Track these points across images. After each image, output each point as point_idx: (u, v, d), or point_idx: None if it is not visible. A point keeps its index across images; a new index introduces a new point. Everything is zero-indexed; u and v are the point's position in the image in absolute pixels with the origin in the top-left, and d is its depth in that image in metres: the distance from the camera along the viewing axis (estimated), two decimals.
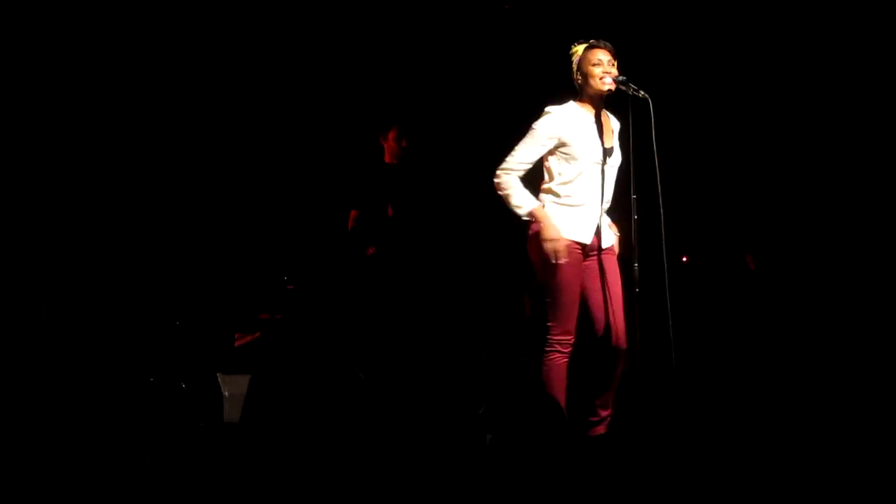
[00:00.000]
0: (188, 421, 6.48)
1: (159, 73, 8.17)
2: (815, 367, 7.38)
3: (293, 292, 8.26)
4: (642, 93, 5.64)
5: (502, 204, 5.77)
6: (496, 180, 5.75)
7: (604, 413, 5.78)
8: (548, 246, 5.63)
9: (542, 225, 5.65)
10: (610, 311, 5.74)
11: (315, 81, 8.64)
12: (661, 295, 5.60)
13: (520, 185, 5.72)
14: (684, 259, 8.22)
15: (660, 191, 5.60)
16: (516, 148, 5.73)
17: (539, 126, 5.70)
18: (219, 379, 6.65)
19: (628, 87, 5.67)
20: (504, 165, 5.73)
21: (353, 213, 8.17)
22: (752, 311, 8.01)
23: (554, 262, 5.62)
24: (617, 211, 5.91)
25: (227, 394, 6.75)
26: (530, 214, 5.69)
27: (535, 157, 5.72)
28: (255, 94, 8.50)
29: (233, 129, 8.47)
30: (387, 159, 8.18)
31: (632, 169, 5.62)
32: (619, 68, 5.74)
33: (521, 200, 5.70)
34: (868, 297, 7.75)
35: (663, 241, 5.56)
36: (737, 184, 8.18)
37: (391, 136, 8.12)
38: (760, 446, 5.74)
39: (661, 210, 5.56)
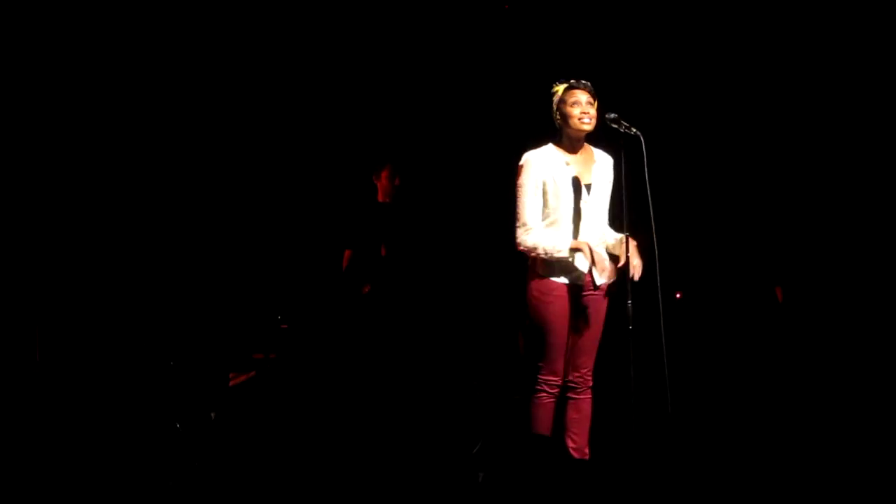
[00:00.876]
0: (182, 460, 6.46)
1: (148, 108, 8.18)
2: (814, 403, 7.38)
3: (287, 331, 8.24)
4: (634, 130, 5.66)
5: (499, 251, 5.82)
6: (521, 247, 5.75)
7: (578, 457, 5.82)
8: (600, 267, 5.69)
9: (585, 251, 5.67)
10: (581, 352, 5.79)
11: (308, 120, 8.65)
12: (656, 331, 5.60)
13: (542, 233, 5.73)
14: (678, 295, 8.22)
15: (654, 227, 5.61)
16: (518, 208, 5.74)
17: (525, 178, 5.73)
18: (213, 419, 6.64)
19: (620, 124, 5.69)
20: (519, 230, 5.73)
21: (347, 253, 8.17)
22: (748, 349, 8.00)
23: (606, 278, 5.69)
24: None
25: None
26: (572, 250, 5.70)
27: (539, 207, 5.74)
28: (249, 134, 8.51)
29: (226, 169, 8.47)
30: (380, 198, 8.18)
31: (624, 207, 5.63)
32: (599, 108, 5.77)
33: (557, 244, 5.71)
34: (872, 332, 7.75)
35: (658, 278, 5.56)
36: (733, 219, 8.19)
37: (384, 174, 8.13)
38: (758, 490, 5.73)
39: (656, 247, 5.57)
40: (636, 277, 5.64)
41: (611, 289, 5.84)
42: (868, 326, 7.75)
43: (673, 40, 8.19)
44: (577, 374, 5.81)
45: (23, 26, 7.80)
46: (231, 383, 8.00)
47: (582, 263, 5.73)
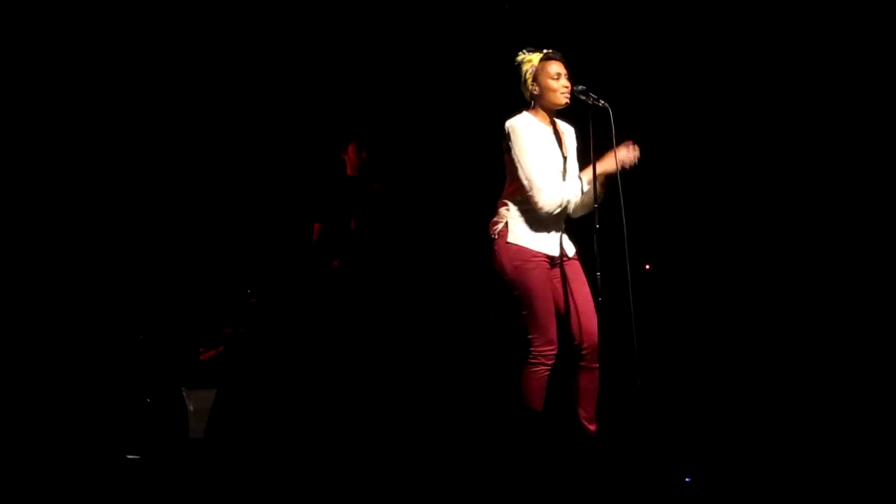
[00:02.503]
0: (153, 436, 6.46)
1: (111, 90, 8.14)
2: (780, 372, 7.42)
3: (257, 306, 8.23)
4: (602, 102, 5.66)
5: (469, 223, 5.76)
6: (541, 206, 5.64)
7: (592, 428, 5.75)
8: (625, 158, 5.63)
9: (611, 158, 5.62)
10: (582, 316, 5.73)
11: (276, 94, 8.62)
12: (625, 303, 5.62)
13: (555, 187, 5.68)
14: (647, 267, 8.24)
15: (622, 199, 5.62)
16: (525, 172, 5.63)
17: (520, 139, 5.63)
18: (184, 394, 6.63)
19: (588, 96, 5.69)
20: (537, 194, 5.63)
21: (316, 227, 8.16)
22: (717, 320, 8.04)
23: (628, 166, 5.65)
24: (581, 220, 5.92)
25: (192, 408, 6.73)
26: (582, 182, 5.68)
27: (542, 161, 5.66)
28: (217, 107, 8.48)
29: (194, 143, 8.44)
30: (348, 172, 8.17)
31: (594, 178, 5.64)
32: (574, 78, 5.76)
33: (568, 191, 5.68)
34: (836, 301, 7.79)
35: (626, 250, 5.57)
36: (700, 190, 8.21)
37: (351, 148, 8.12)
38: (726, 453, 5.76)
39: (624, 218, 5.58)
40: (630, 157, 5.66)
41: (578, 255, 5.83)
42: (840, 299, 7.80)
43: (641, 10, 8.19)
44: (589, 342, 5.69)
45: (19, 26, 7.77)
46: (201, 358, 8.00)
47: (552, 233, 5.71)
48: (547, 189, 5.63)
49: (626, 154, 5.64)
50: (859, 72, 7.79)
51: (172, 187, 8.34)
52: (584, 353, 5.71)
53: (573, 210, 5.79)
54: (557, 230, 5.74)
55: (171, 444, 6.37)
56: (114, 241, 8.08)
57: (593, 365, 5.73)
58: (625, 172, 5.66)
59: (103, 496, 5.37)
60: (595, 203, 5.70)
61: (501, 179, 5.83)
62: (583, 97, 5.69)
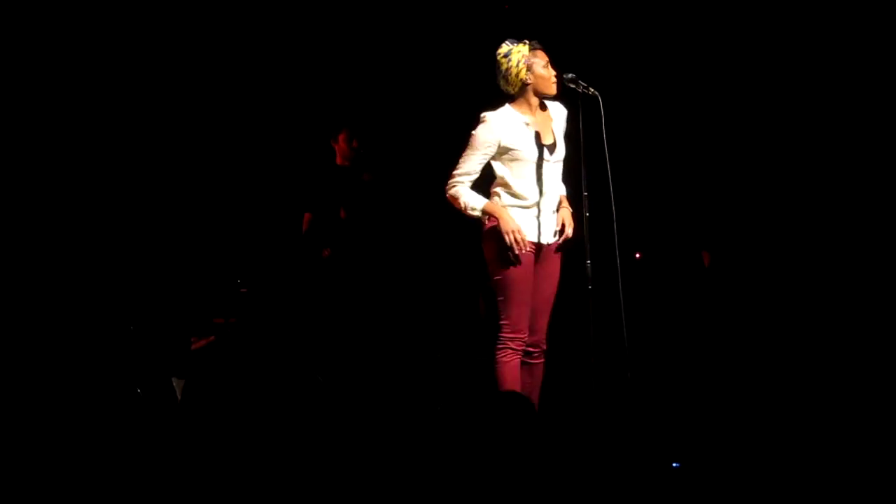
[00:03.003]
0: (143, 426, 6.45)
1: (104, 83, 8.12)
2: (772, 364, 7.43)
3: (247, 295, 8.23)
4: (592, 90, 5.67)
5: (459, 214, 5.79)
6: (448, 194, 5.79)
7: None
8: (510, 238, 5.64)
9: (499, 218, 5.66)
10: (540, 312, 5.78)
11: (267, 84, 8.61)
12: (615, 291, 5.62)
13: (468, 190, 5.75)
14: (637, 255, 8.25)
15: (611, 187, 5.63)
16: (460, 160, 5.76)
17: (478, 134, 5.71)
18: (174, 384, 6.63)
19: (578, 84, 5.70)
20: (451, 179, 5.77)
21: (307, 216, 8.15)
22: (706, 308, 8.04)
23: (518, 252, 5.64)
24: (572, 207, 5.92)
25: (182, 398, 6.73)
26: (485, 212, 5.71)
27: (480, 165, 5.74)
28: (207, 98, 8.47)
29: (184, 133, 8.43)
30: (338, 161, 8.17)
31: (583, 166, 5.64)
32: (563, 67, 5.77)
33: (473, 202, 5.73)
34: (827, 294, 7.80)
35: (616, 238, 5.58)
36: (690, 179, 8.21)
37: (341, 137, 8.12)
38: (714, 442, 5.77)
39: (613, 207, 5.59)
40: (560, 240, 5.72)
41: (566, 246, 5.84)
42: (831, 289, 7.81)
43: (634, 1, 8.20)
44: (533, 338, 5.78)
45: (18, 25, 7.76)
46: (192, 347, 7.99)
47: (541, 222, 5.73)
48: (459, 185, 5.77)
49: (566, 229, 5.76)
50: (850, 65, 7.80)
51: (162, 178, 8.32)
52: (530, 348, 5.80)
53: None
54: (547, 218, 5.75)
55: (162, 434, 6.36)
56: (104, 232, 8.07)
57: (536, 360, 5.82)
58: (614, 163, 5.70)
59: (94, 485, 5.36)
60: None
61: (489, 174, 5.85)
62: (572, 85, 5.70)
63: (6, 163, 7.87)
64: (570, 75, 5.71)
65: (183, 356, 7.80)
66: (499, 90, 5.79)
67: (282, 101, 8.66)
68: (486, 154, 5.70)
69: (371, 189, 8.19)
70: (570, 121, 5.84)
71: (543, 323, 5.81)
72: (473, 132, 5.72)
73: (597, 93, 5.65)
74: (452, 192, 5.77)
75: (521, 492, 5.10)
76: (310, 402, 6.76)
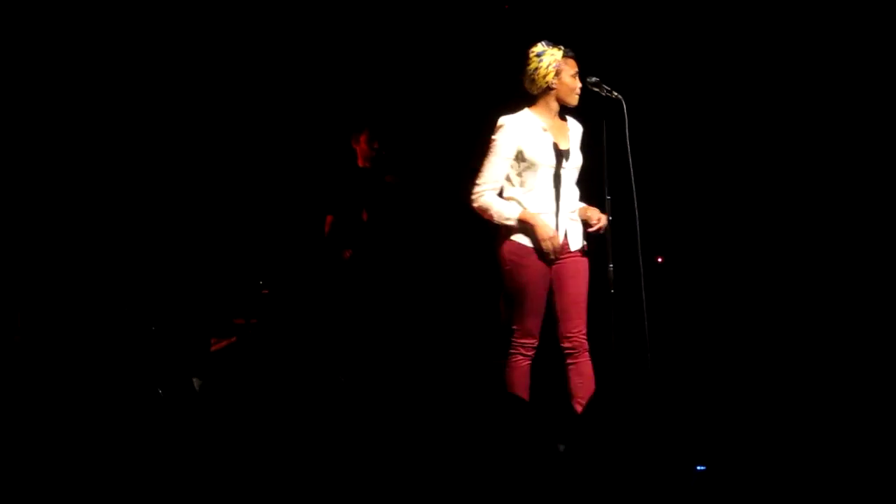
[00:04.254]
0: (164, 426, 6.46)
1: (125, 83, 8.13)
2: (794, 367, 7.41)
3: (268, 297, 8.24)
4: (615, 94, 5.65)
5: (488, 223, 5.77)
6: (474, 205, 5.74)
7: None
8: (547, 245, 5.63)
9: (535, 226, 5.64)
10: (563, 314, 5.76)
11: (289, 85, 8.62)
12: (637, 296, 5.61)
13: (497, 198, 5.71)
14: (659, 259, 8.23)
15: (634, 192, 5.62)
16: (483, 168, 5.72)
17: (498, 140, 5.68)
18: (195, 384, 6.63)
19: (601, 88, 5.68)
20: (476, 188, 5.73)
21: (328, 218, 8.15)
22: (729, 313, 8.02)
23: (553, 258, 5.63)
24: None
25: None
26: (520, 221, 5.68)
27: (503, 172, 5.70)
28: (229, 100, 8.47)
29: (206, 134, 8.43)
30: (360, 163, 8.16)
31: (605, 170, 5.63)
32: (585, 71, 5.75)
33: (507, 211, 5.70)
34: (848, 297, 7.77)
35: (639, 242, 5.57)
36: (713, 182, 8.20)
37: (363, 138, 8.11)
38: (738, 448, 5.75)
39: (637, 211, 5.58)
40: (597, 229, 5.68)
41: (589, 248, 5.82)
42: (853, 291, 7.79)
43: (654, 5, 8.18)
44: (571, 339, 5.73)
45: (20, 26, 7.78)
46: (212, 349, 8.00)
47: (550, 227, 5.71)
48: (486, 193, 5.73)
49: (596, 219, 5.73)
50: (871, 66, 7.78)
51: (185, 179, 8.33)
52: (566, 350, 5.76)
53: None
54: (563, 225, 5.73)
55: (182, 435, 6.37)
56: (126, 232, 8.08)
57: (580, 359, 5.78)
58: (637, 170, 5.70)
59: (112, 484, 5.37)
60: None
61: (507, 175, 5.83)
62: (596, 89, 5.68)
63: (35, 164, 7.90)
64: (593, 79, 5.70)
65: (203, 357, 7.81)
66: (519, 89, 5.78)
67: (303, 103, 8.66)
68: (507, 159, 5.68)
69: (393, 191, 8.19)
70: (584, 137, 5.83)
71: (577, 324, 5.74)
72: (493, 138, 5.69)
73: (620, 96, 5.64)
74: (480, 202, 5.73)
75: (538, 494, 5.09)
76: (331, 404, 6.76)
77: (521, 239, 5.71)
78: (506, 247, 5.73)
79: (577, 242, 5.79)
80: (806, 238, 7.97)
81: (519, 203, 5.70)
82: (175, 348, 7.65)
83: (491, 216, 5.71)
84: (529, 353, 5.74)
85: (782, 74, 8.01)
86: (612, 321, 5.67)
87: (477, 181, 5.72)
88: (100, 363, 7.30)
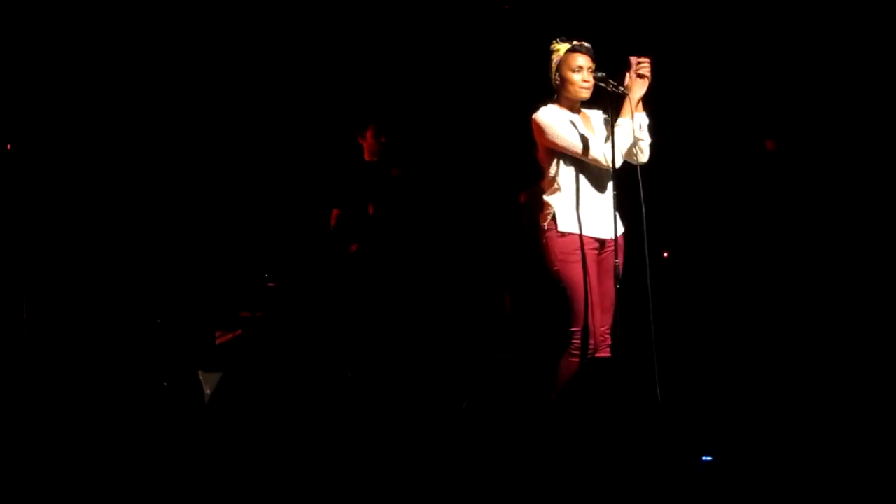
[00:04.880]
0: (169, 418, 6.48)
1: (134, 75, 8.14)
2: (800, 364, 7.41)
3: (274, 290, 8.25)
4: (622, 89, 5.65)
5: (488, 209, 5.75)
6: (604, 162, 5.61)
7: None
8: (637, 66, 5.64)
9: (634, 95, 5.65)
10: (605, 311, 5.74)
11: (295, 79, 8.63)
12: (643, 290, 5.61)
13: (600, 143, 5.67)
14: (665, 254, 8.24)
15: (641, 186, 5.62)
16: (573, 145, 5.63)
17: (550, 122, 5.65)
18: (200, 377, 6.64)
19: (608, 83, 5.68)
20: (588, 155, 5.62)
21: (335, 212, 8.16)
22: (734, 307, 8.03)
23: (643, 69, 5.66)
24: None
25: (208, 392, 6.75)
26: (630, 109, 5.67)
27: (576, 132, 5.66)
28: (235, 93, 8.49)
29: (212, 128, 8.45)
30: (366, 157, 8.17)
31: (612, 164, 5.63)
32: (597, 66, 5.74)
33: (619, 137, 5.63)
34: (853, 292, 7.78)
35: (645, 237, 5.57)
36: (718, 178, 8.21)
37: (369, 133, 8.11)
38: (743, 443, 5.76)
39: (643, 206, 5.58)
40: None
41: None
42: (861, 288, 7.80)
43: (660, 2, 8.19)
44: (595, 336, 5.69)
45: (22, 26, 7.79)
46: (217, 341, 8.02)
47: (601, 216, 5.70)
48: (599, 149, 5.64)
49: (636, 69, 5.67)
50: (872, 67, 7.79)
51: (191, 171, 8.35)
52: (591, 345, 5.73)
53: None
54: (607, 209, 5.70)
55: (187, 427, 6.38)
56: (132, 225, 8.09)
57: (603, 354, 5.77)
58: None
59: (118, 478, 5.39)
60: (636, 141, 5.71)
61: (519, 166, 5.84)
62: (602, 84, 5.68)
63: (41, 157, 7.91)
64: (599, 74, 5.69)
65: (208, 350, 7.82)
66: (537, 85, 5.82)
67: (310, 97, 8.67)
68: (567, 126, 5.65)
69: (399, 185, 8.19)
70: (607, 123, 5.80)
71: (608, 318, 5.74)
72: (545, 130, 5.66)
73: (626, 91, 5.64)
74: (600, 153, 5.63)
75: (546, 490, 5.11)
76: (336, 397, 6.77)
77: (569, 229, 5.67)
78: (554, 246, 5.70)
79: (620, 228, 5.74)
80: (810, 234, 7.98)
81: (561, 190, 5.69)
82: (180, 341, 7.66)
83: (626, 144, 5.66)
84: (590, 354, 5.68)
85: (787, 71, 8.02)
86: (618, 315, 5.67)
87: (587, 156, 5.63)
88: (105, 356, 7.32)
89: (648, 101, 5.81)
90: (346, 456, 5.72)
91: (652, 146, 5.77)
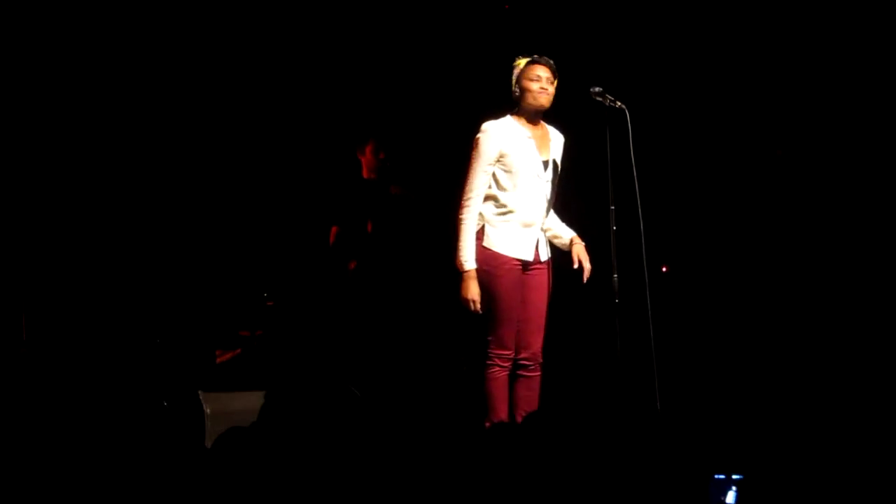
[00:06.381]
0: (169, 439, 6.46)
1: (129, 96, 8.15)
2: (798, 375, 7.41)
3: (273, 308, 8.24)
4: (619, 103, 5.66)
5: (454, 235, 5.82)
6: (461, 216, 5.77)
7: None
8: (470, 305, 5.76)
9: (462, 283, 5.76)
10: (524, 325, 5.79)
11: (293, 96, 8.63)
12: (642, 305, 5.61)
13: (472, 228, 5.76)
14: (664, 268, 8.23)
15: (639, 201, 5.62)
16: (468, 178, 5.77)
17: (479, 146, 5.74)
18: (200, 397, 6.64)
19: (605, 98, 5.69)
20: (465, 201, 5.77)
21: (334, 229, 8.15)
22: (733, 322, 8.03)
23: (473, 310, 5.74)
24: (597, 222, 5.92)
25: (208, 411, 6.74)
26: (461, 269, 5.75)
27: (487, 178, 5.75)
28: (234, 110, 8.48)
29: (211, 145, 8.44)
30: (365, 174, 8.16)
31: (609, 180, 5.64)
32: (588, 80, 5.76)
33: (466, 252, 5.76)
34: (856, 305, 7.78)
35: (643, 252, 5.57)
36: (716, 191, 8.20)
37: (368, 149, 8.11)
38: (744, 457, 5.75)
39: (641, 220, 5.58)
40: (585, 280, 5.73)
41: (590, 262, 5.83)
42: (861, 299, 7.80)
43: (658, 14, 8.18)
44: (528, 353, 5.80)
45: (20, 25, 7.79)
46: (217, 360, 8.00)
47: (527, 237, 5.75)
48: (474, 207, 5.77)
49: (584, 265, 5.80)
50: (873, 72, 7.79)
51: (190, 190, 8.34)
52: (521, 361, 5.80)
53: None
54: (534, 234, 5.78)
55: (188, 448, 6.37)
56: (130, 244, 8.09)
57: (532, 374, 5.85)
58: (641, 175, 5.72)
59: (117, 498, 5.37)
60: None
61: None
62: (599, 98, 5.69)
63: (42, 177, 7.91)
64: (596, 89, 5.71)
65: (208, 369, 7.81)
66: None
67: (309, 114, 8.67)
68: (490, 164, 5.72)
69: (398, 202, 8.19)
70: (566, 151, 5.86)
71: (538, 337, 5.83)
72: (474, 151, 5.75)
73: (624, 106, 5.64)
74: (466, 219, 5.78)
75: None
76: (336, 414, 6.76)
77: (493, 246, 5.75)
78: (481, 257, 5.79)
79: (545, 253, 5.83)
80: (810, 248, 7.97)
81: (495, 204, 5.73)
82: (180, 360, 7.65)
83: (461, 237, 5.78)
84: (507, 364, 5.79)
85: (785, 84, 8.02)
86: (618, 330, 5.67)
87: (464, 193, 5.78)
88: (105, 375, 7.31)
89: (646, 112, 5.82)
90: (344, 470, 5.71)
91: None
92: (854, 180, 7.90)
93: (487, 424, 5.83)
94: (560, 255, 5.93)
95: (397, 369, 7.73)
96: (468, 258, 5.74)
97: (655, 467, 5.39)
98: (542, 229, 5.84)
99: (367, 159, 8.14)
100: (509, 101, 5.96)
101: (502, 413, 5.76)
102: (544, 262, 5.83)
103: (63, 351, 7.62)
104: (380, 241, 8.12)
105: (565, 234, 5.88)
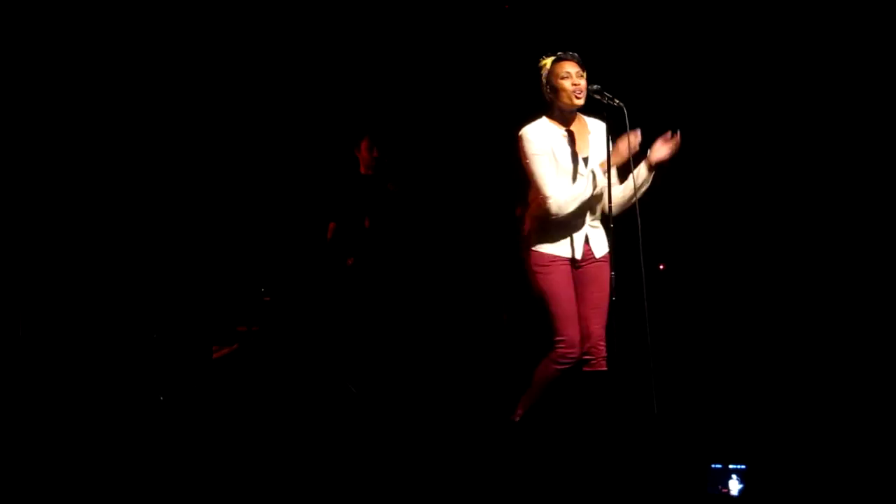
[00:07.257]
0: (164, 430, 6.47)
1: (128, 95, 8.15)
2: (795, 373, 7.41)
3: (270, 304, 8.24)
4: (617, 101, 5.64)
5: (483, 222, 5.77)
6: (553, 212, 5.65)
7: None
8: (626, 140, 5.61)
9: (615, 149, 5.63)
10: (584, 321, 5.75)
11: (290, 93, 8.63)
12: (639, 303, 5.61)
13: (564, 190, 5.66)
14: (661, 266, 8.23)
15: (636, 199, 5.61)
16: (538, 181, 5.65)
17: (533, 148, 5.64)
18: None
19: (603, 95, 5.66)
20: (549, 201, 5.64)
21: (331, 225, 8.16)
22: (731, 320, 8.03)
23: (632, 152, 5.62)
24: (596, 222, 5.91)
25: None
26: (595, 176, 5.65)
27: (553, 166, 5.66)
28: (231, 109, 8.48)
29: (209, 142, 8.44)
30: (362, 170, 8.17)
31: (608, 178, 5.63)
32: (588, 78, 5.73)
33: (578, 190, 5.66)
34: (851, 302, 7.79)
35: (641, 250, 5.56)
36: (714, 189, 8.20)
37: (363, 146, 8.12)
38: (741, 454, 5.75)
39: (639, 218, 5.57)
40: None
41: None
42: (860, 297, 7.81)
43: (657, 11, 8.18)
44: (587, 343, 5.74)
45: (21, 25, 7.79)
46: (214, 356, 8.01)
47: (573, 236, 5.72)
48: (555, 196, 5.64)
49: (630, 142, 5.64)
50: (873, 71, 7.79)
51: (186, 186, 8.34)
52: (584, 356, 5.75)
53: (607, 208, 5.73)
54: (581, 232, 5.73)
55: (182, 440, 6.38)
56: (127, 239, 8.09)
57: (598, 366, 5.77)
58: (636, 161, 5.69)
59: (113, 492, 5.38)
60: (635, 196, 5.68)
61: (515, 179, 5.83)
62: (597, 96, 5.67)
63: (40, 174, 7.91)
64: (594, 87, 5.68)
65: (205, 364, 7.82)
66: (531, 98, 5.81)
67: (305, 110, 8.67)
68: (551, 161, 5.66)
69: (394, 198, 8.20)
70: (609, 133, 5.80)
71: (596, 328, 5.75)
72: (526, 152, 5.67)
73: (622, 104, 5.62)
74: (561, 203, 5.64)
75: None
76: (333, 410, 6.77)
77: (542, 248, 5.72)
78: (528, 258, 5.76)
79: (600, 249, 5.78)
80: (808, 245, 7.98)
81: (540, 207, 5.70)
82: (177, 356, 7.65)
83: (578, 204, 5.66)
84: (570, 363, 5.72)
85: (783, 82, 8.02)
86: (615, 328, 5.66)
87: (545, 197, 5.65)
88: (102, 371, 7.31)
89: (645, 115, 5.82)
90: (342, 466, 5.72)
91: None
92: (854, 180, 7.90)
93: (516, 417, 5.84)
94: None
95: (394, 365, 7.74)
96: (585, 188, 5.65)
97: (654, 459, 5.40)
98: (592, 225, 5.77)
99: (363, 156, 8.15)
100: (507, 100, 5.95)
101: (533, 402, 5.78)
102: (600, 257, 5.77)
103: (60, 346, 7.63)
104: (377, 237, 8.12)
105: (635, 176, 5.75)
